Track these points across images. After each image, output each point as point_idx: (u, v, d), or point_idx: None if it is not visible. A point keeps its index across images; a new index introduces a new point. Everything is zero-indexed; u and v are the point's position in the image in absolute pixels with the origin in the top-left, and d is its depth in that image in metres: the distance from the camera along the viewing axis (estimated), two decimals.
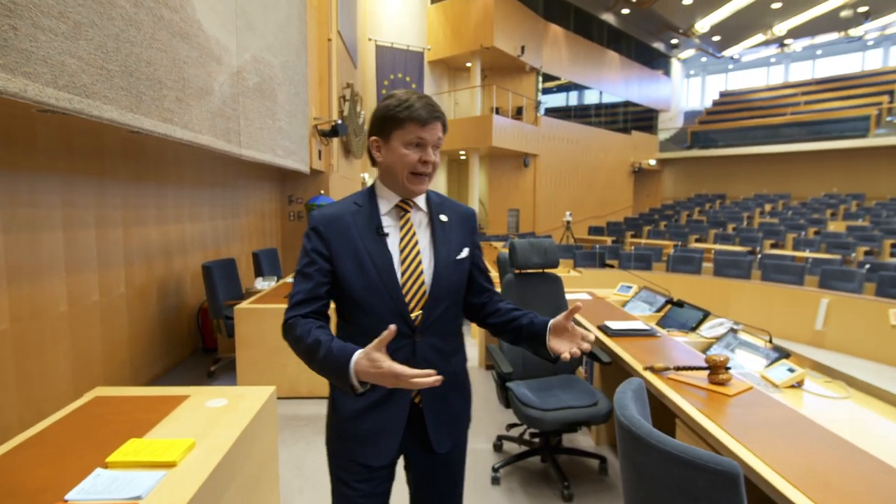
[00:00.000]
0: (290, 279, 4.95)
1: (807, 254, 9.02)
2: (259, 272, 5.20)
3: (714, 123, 20.96)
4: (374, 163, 1.36)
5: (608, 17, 17.38)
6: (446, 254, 1.36)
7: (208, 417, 1.83)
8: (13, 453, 1.56)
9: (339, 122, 7.29)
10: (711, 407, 1.95)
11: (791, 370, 2.21)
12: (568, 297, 3.79)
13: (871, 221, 12.11)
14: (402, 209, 1.36)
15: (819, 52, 22.62)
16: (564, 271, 6.07)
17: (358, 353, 1.13)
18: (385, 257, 1.30)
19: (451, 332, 1.40)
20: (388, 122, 1.28)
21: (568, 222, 13.27)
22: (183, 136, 3.00)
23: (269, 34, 4.66)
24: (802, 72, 23.34)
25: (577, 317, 3.36)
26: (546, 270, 3.03)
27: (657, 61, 20.91)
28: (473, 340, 5.41)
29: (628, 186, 19.18)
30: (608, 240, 12.78)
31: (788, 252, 9.49)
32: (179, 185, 4.51)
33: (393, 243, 1.32)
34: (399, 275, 1.30)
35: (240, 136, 3.96)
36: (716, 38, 19.99)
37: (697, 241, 11.99)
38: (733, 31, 18.81)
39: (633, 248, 9.93)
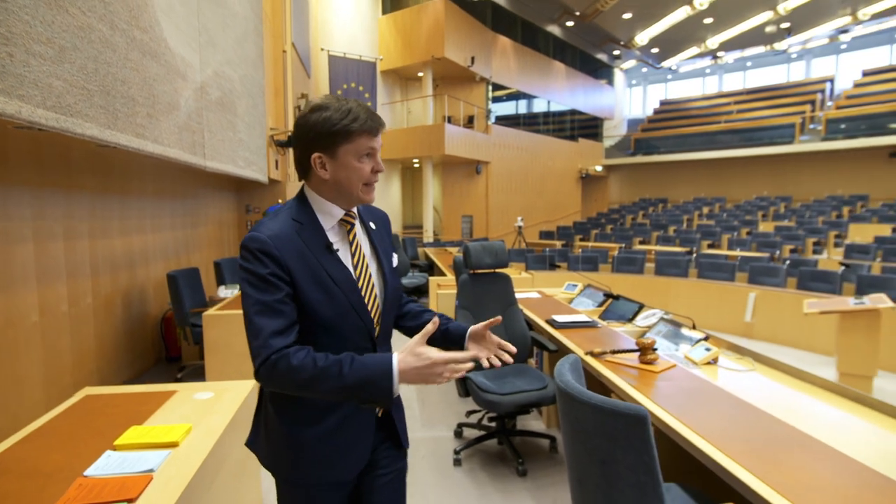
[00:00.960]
0: None
1: (738, 252, 9.73)
2: (221, 280, 5.30)
3: (655, 131, 22.04)
4: (306, 177, 1.27)
5: (553, 29, 18.08)
6: (388, 261, 1.35)
7: (199, 407, 2.02)
8: (21, 444, 1.72)
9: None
10: (641, 382, 2.28)
11: (708, 349, 2.59)
12: (519, 295, 4.12)
13: (797, 222, 13.09)
14: (347, 222, 1.30)
15: (749, 63, 24.14)
16: (516, 273, 6.42)
17: (399, 353, 1.13)
18: (346, 277, 1.24)
19: (390, 336, 1.40)
20: (334, 136, 1.19)
21: (519, 227, 13.74)
22: (154, 149, 3.14)
23: (229, 49, 4.81)
24: (735, 82, 24.84)
25: (527, 311, 3.68)
26: (497, 270, 3.34)
27: (601, 71, 21.83)
28: None
29: (576, 192, 19.91)
30: (558, 243, 13.32)
31: (723, 251, 10.19)
32: (142, 196, 4.59)
33: (345, 259, 1.26)
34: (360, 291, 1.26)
35: (204, 148, 4.10)
36: (654, 50, 21.08)
37: (641, 242, 12.65)
38: (670, 43, 19.90)
39: (580, 250, 10.45)
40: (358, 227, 1.33)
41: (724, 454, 1.58)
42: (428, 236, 13.92)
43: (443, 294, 5.23)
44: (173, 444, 1.67)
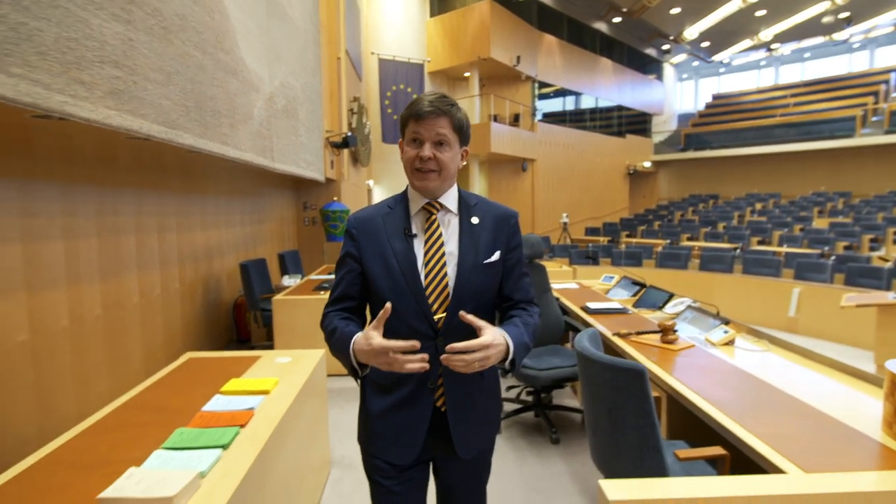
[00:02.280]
0: (312, 276, 5.58)
1: (784, 248, 9.62)
2: (284, 270, 5.83)
3: (707, 126, 21.60)
4: None
5: (600, 26, 18.05)
6: (473, 256, 1.33)
7: (280, 368, 2.45)
8: (146, 392, 2.18)
9: (349, 133, 7.94)
10: (661, 358, 2.56)
11: (726, 332, 2.83)
12: (558, 286, 4.43)
13: (854, 218, 12.70)
14: (429, 211, 1.36)
15: (807, 55, 23.30)
16: (558, 266, 6.68)
17: (358, 333, 1.24)
18: (409, 258, 1.30)
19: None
20: (401, 122, 1.34)
21: (565, 224, 13.89)
22: (234, 154, 3.63)
23: (292, 60, 5.30)
24: (792, 74, 24.03)
25: (564, 299, 3.98)
26: (534, 260, 3.65)
27: (650, 66, 21.58)
28: None
29: (624, 188, 19.80)
30: (604, 240, 13.39)
31: (773, 248, 10.09)
32: (217, 195, 5.14)
33: (420, 245, 1.33)
34: (423, 276, 1.30)
35: (272, 152, 4.59)
36: (705, 44, 20.68)
37: (689, 239, 12.59)
38: (721, 37, 19.49)
39: (625, 246, 10.56)
40: (446, 218, 1.36)
41: (718, 409, 1.87)
42: None
43: None
44: (266, 392, 2.10)
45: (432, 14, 14.59)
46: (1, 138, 2.41)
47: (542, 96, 16.59)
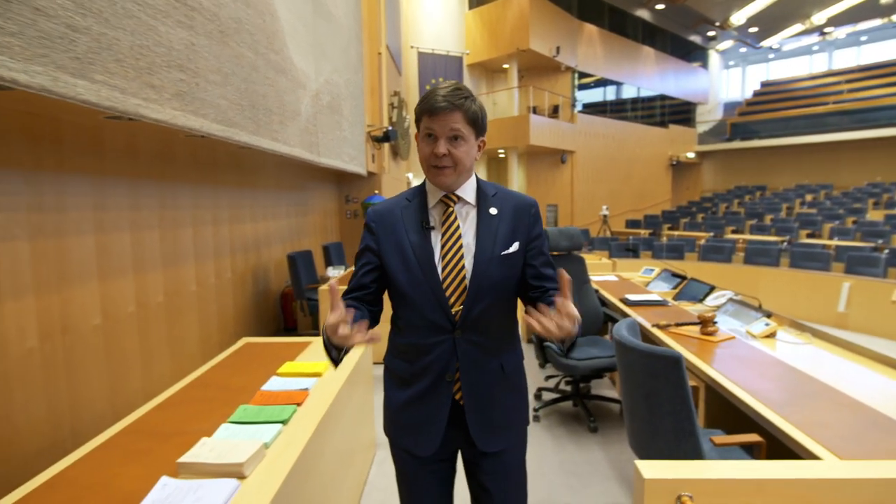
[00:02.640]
0: (355, 267, 5.75)
1: (835, 241, 9.30)
2: (329, 262, 6.03)
3: (755, 114, 20.92)
4: None
5: (643, 14, 17.68)
6: (490, 248, 1.31)
7: None
8: (209, 373, 2.36)
9: (390, 128, 8.09)
10: (700, 349, 2.59)
11: (767, 324, 2.83)
12: (597, 278, 4.45)
13: None
14: (446, 203, 1.35)
15: (864, 38, 22.21)
16: (597, 259, 6.67)
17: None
18: (427, 251, 1.31)
19: (498, 329, 1.37)
20: (415, 116, 1.32)
21: (605, 216, 13.74)
22: (284, 150, 3.80)
23: (336, 57, 5.46)
24: (847, 59, 22.94)
25: (604, 291, 4.01)
26: (573, 252, 3.70)
27: (694, 54, 21.01)
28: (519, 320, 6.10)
29: (666, 180, 19.40)
30: (645, 232, 13.20)
31: (823, 241, 9.76)
32: (266, 189, 5.36)
33: (437, 237, 1.33)
34: (440, 269, 1.30)
35: (318, 147, 4.76)
36: (753, 30, 19.97)
37: (734, 232, 12.28)
38: (770, 21, 18.78)
39: (667, 239, 10.40)
40: (464, 210, 1.36)
41: (754, 398, 1.91)
42: None
43: None
44: (318, 374, 2.24)
45: (471, 6, 14.59)
46: (77, 139, 2.62)
47: (583, 86, 16.41)
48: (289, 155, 3.96)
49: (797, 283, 7.17)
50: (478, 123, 1.30)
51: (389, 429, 1.45)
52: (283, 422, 1.76)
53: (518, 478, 1.46)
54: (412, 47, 12.40)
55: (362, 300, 1.40)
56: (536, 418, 3.43)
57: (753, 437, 1.73)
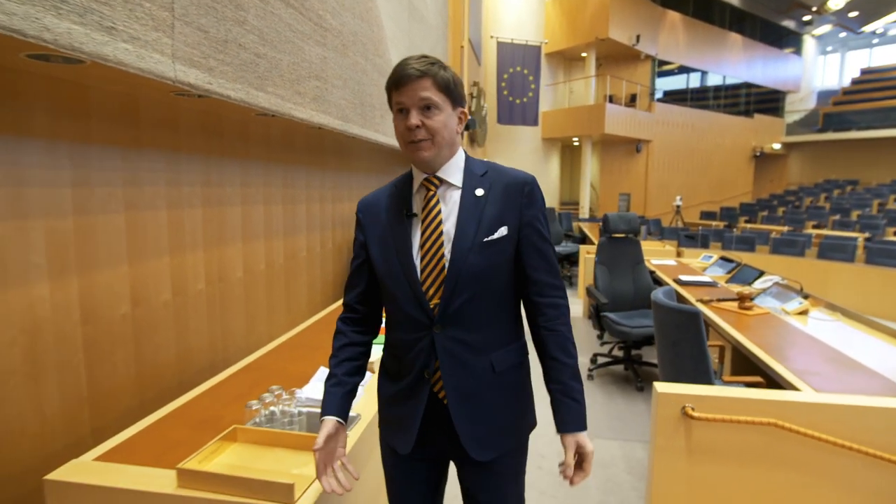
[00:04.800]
0: None
1: None
2: None
3: (851, 104, 19.72)
4: None
5: None
6: (472, 234, 1.18)
7: None
8: (306, 331, 3.05)
9: (470, 117, 8.66)
10: (736, 320, 3.03)
11: (800, 303, 3.20)
12: (656, 261, 4.87)
13: None
14: (426, 187, 1.23)
15: None
16: (661, 246, 6.99)
17: (329, 421, 1.21)
18: (405, 240, 1.21)
19: (485, 324, 1.22)
20: (387, 94, 1.25)
21: (678, 206, 13.70)
22: (384, 140, 4.47)
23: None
24: None
25: (660, 273, 4.43)
26: (629, 236, 4.15)
27: (786, 39, 20.05)
28: (579, 300, 6.57)
29: (748, 171, 18.80)
30: (720, 224, 13.07)
31: None
32: (359, 172, 6.12)
33: (418, 225, 1.22)
34: (418, 259, 1.20)
35: None
36: (853, 14, 18.78)
37: (815, 227, 11.97)
38: (873, 5, 17.62)
39: (740, 231, 10.37)
40: (447, 193, 1.23)
41: (759, 347, 2.36)
42: (584, 212, 14.49)
43: (590, 259, 6.09)
44: None
45: None
46: (231, 131, 3.39)
47: (664, 73, 16.22)
48: (387, 144, 4.64)
49: (871, 279, 7.15)
50: (451, 91, 1.19)
51: (379, 420, 1.38)
52: None
53: (511, 490, 1.32)
54: (492, 37, 12.82)
55: (362, 303, 1.34)
56: (590, 376, 3.96)
57: (755, 378, 2.20)
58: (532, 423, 1.35)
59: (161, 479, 1.33)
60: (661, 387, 1.93)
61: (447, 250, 1.18)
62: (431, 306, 1.18)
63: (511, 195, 1.21)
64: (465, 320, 1.19)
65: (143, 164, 2.41)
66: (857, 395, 1.90)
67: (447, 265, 1.17)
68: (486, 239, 1.18)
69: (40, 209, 1.82)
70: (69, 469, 1.41)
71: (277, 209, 4.12)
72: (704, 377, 2.19)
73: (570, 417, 1.21)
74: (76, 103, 1.91)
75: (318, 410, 1.64)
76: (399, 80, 1.15)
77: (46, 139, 1.82)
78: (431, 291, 1.18)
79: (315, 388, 1.96)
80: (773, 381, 2.19)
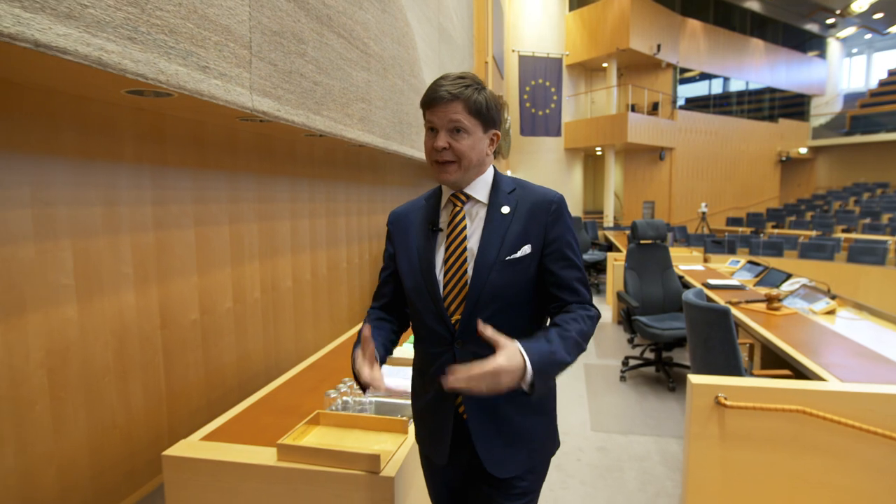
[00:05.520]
0: None
1: None
2: None
3: (879, 106, 19.44)
4: None
5: (752, 5, 17.14)
6: (495, 252, 1.19)
7: None
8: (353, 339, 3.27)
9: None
10: (764, 320, 3.16)
11: (828, 303, 3.32)
12: (685, 267, 4.99)
13: None
14: (454, 203, 1.26)
15: None
16: (688, 252, 7.08)
17: (358, 351, 1.22)
18: (428, 256, 1.23)
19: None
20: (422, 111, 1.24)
21: (703, 213, 13.69)
22: (419, 155, 4.71)
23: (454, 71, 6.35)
24: None
25: (689, 277, 4.56)
26: (657, 242, 4.30)
27: (810, 43, 19.91)
28: (608, 306, 6.70)
29: (774, 177, 18.65)
30: (746, 230, 13.03)
31: None
32: (392, 185, 6.38)
33: (442, 239, 1.24)
34: (441, 274, 1.22)
35: None
36: (878, 16, 18.60)
37: (844, 231, 11.87)
38: None
39: (767, 237, 10.37)
40: (474, 210, 1.25)
41: (787, 343, 2.50)
42: (608, 221, 14.56)
43: (618, 265, 6.22)
44: None
45: (571, 8, 15.00)
46: (280, 150, 3.66)
47: (686, 80, 16.27)
48: (419, 158, 4.88)
49: None
50: (483, 114, 1.19)
51: (415, 434, 1.40)
52: None
53: None
54: (513, 51, 13.08)
55: (387, 309, 1.41)
56: (623, 378, 4.10)
57: (783, 372, 2.34)
58: (554, 445, 1.33)
59: (262, 454, 1.55)
60: (695, 378, 2.09)
61: (470, 267, 1.19)
62: (453, 322, 1.19)
63: (537, 214, 1.22)
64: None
65: (209, 183, 2.68)
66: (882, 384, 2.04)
67: (469, 281, 1.18)
68: (508, 258, 1.18)
69: (129, 225, 2.08)
70: (182, 446, 1.63)
71: (321, 222, 4.38)
72: (735, 371, 2.34)
73: (537, 348, 1.07)
74: (155, 131, 2.18)
75: (387, 399, 1.85)
76: (431, 101, 1.17)
77: (133, 163, 2.09)
78: (453, 307, 1.20)
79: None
80: (800, 374, 2.33)
